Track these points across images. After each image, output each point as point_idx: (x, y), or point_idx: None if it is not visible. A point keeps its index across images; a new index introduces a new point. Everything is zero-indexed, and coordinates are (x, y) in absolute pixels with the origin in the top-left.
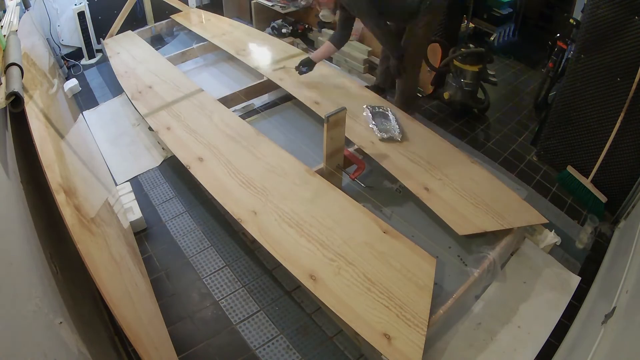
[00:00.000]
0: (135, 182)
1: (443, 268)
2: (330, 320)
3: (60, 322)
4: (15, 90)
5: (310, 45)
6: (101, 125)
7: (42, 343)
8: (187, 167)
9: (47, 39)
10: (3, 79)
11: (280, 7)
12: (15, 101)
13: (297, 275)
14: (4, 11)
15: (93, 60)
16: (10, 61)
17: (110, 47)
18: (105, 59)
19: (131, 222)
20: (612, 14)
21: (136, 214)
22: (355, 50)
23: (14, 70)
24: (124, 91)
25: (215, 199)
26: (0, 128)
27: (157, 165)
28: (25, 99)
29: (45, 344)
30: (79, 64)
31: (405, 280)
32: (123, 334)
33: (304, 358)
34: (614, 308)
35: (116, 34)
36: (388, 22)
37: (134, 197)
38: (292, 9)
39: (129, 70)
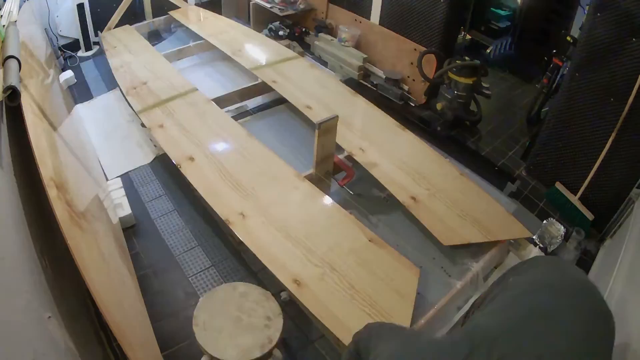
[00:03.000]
0: (126, 178)
1: (427, 278)
2: (313, 325)
3: (49, 317)
4: (12, 84)
5: (307, 48)
6: (94, 119)
7: (32, 338)
8: (178, 166)
9: (45, 29)
10: (1, 72)
11: (279, 9)
12: (12, 95)
13: (282, 279)
14: (4, 0)
15: (90, 53)
16: (8, 54)
17: (107, 40)
18: (102, 52)
19: (120, 218)
20: (609, 34)
21: (126, 210)
22: (351, 56)
23: (12, 64)
24: (118, 86)
25: (204, 199)
26: None
27: (149, 162)
28: (22, 91)
29: (35, 338)
30: (76, 56)
31: (388, 289)
32: (108, 330)
33: None
34: None
35: (114, 28)
36: None
37: (124, 193)
38: (290, 11)
39: (125, 65)
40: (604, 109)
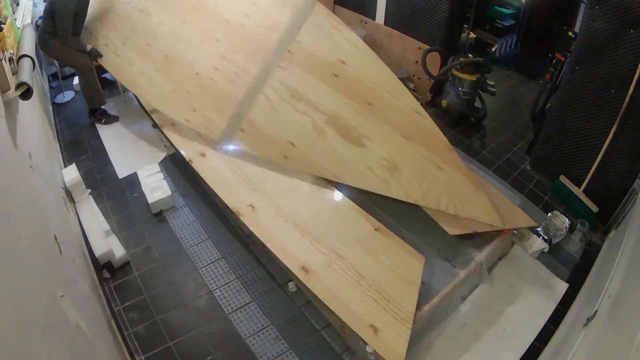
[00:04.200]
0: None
1: (432, 269)
2: (320, 314)
3: (62, 296)
4: (24, 81)
5: None
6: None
7: (43, 310)
8: (189, 162)
9: None
10: None
11: None
12: (27, 91)
13: (290, 267)
14: (18, 4)
15: None
16: (22, 53)
17: None
18: None
19: (158, 201)
20: (607, 26)
21: (165, 191)
22: None
23: (25, 62)
24: None
25: (214, 194)
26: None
27: (159, 161)
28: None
29: (46, 311)
30: None
31: (393, 276)
32: (119, 318)
33: (292, 348)
34: (596, 311)
35: None
36: None
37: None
38: None
39: None
40: (604, 101)
